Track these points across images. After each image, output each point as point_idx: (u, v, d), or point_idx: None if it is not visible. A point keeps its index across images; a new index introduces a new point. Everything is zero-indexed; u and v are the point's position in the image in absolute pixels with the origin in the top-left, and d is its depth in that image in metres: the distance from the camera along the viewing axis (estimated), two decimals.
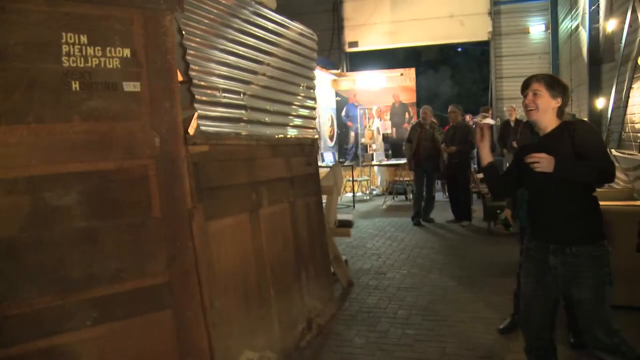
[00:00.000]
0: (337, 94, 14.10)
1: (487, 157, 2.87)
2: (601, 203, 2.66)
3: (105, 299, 2.53)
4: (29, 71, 2.38)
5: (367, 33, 14.50)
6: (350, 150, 14.12)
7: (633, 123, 6.61)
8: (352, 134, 14.13)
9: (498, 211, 7.14)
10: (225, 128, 3.42)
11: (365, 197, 12.83)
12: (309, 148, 4.59)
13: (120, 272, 2.59)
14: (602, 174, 2.47)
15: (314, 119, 4.92)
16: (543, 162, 2.43)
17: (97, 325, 2.50)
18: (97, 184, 2.55)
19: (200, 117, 3.14)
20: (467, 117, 14.45)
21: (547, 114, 2.60)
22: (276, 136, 4.08)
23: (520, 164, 2.68)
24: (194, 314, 2.83)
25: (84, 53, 2.52)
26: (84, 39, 2.52)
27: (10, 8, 2.34)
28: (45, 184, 2.40)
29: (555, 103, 2.59)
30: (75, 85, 2.50)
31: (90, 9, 2.54)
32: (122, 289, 2.59)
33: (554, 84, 2.60)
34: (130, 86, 2.65)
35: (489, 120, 3.00)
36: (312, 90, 4.84)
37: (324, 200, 5.43)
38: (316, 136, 4.91)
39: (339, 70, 14.41)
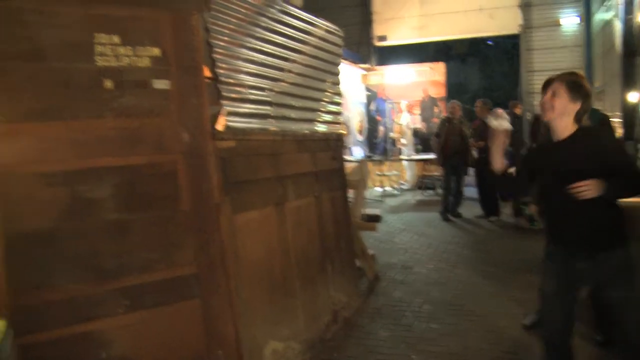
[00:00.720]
0: (366, 89, 14.09)
1: (497, 163, 2.75)
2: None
3: (137, 287, 2.65)
4: (65, 70, 2.51)
5: (396, 27, 14.46)
6: (379, 145, 14.11)
7: None
8: (381, 128, 14.11)
9: (523, 206, 7.12)
10: (253, 124, 3.50)
11: (395, 192, 12.81)
12: (334, 143, 4.64)
13: (151, 262, 2.70)
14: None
15: (340, 114, 4.97)
16: (592, 188, 2.32)
17: (128, 312, 2.62)
18: (129, 178, 2.67)
19: (228, 113, 3.22)
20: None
21: (563, 117, 2.48)
22: (302, 131, 4.15)
23: (534, 164, 2.66)
24: (221, 303, 2.92)
25: (116, 53, 2.63)
26: (116, 39, 2.63)
27: (47, 11, 2.47)
28: (80, 177, 2.53)
29: (574, 107, 2.46)
30: (108, 84, 2.61)
31: (122, 10, 2.66)
32: (152, 279, 2.70)
33: (577, 86, 2.46)
34: (160, 84, 2.76)
35: (505, 124, 2.73)
36: (337, 86, 4.89)
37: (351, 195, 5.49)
38: (342, 131, 4.95)
39: (368, 65, 14.39)
